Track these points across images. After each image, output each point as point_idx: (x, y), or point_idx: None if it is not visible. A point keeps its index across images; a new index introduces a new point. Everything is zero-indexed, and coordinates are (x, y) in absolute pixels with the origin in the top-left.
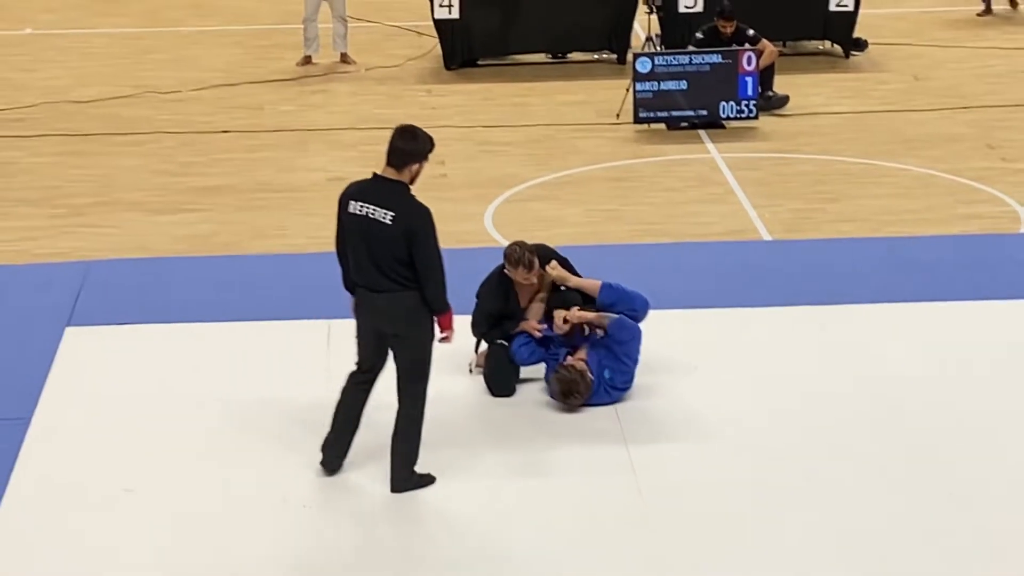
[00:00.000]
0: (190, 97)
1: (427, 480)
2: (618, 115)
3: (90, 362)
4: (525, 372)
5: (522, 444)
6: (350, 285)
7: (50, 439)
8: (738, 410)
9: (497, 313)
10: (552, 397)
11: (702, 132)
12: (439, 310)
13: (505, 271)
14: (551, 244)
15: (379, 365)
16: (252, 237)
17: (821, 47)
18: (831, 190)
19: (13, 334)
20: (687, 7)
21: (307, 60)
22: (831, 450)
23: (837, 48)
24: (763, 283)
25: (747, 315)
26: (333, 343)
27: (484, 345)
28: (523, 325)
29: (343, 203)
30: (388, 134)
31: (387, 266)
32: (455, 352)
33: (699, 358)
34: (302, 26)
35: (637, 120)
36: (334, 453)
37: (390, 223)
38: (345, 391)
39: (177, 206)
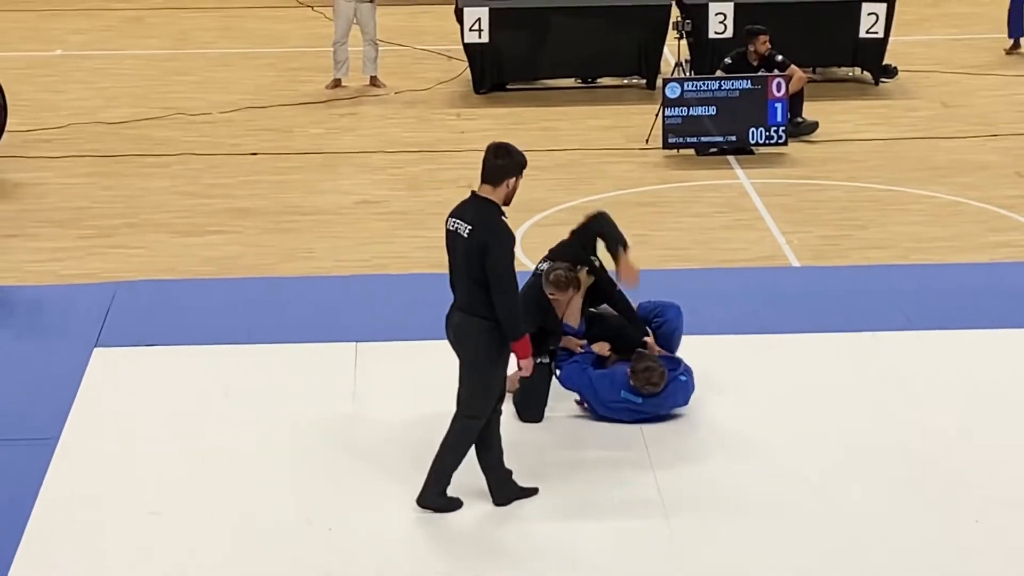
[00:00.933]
0: (219, 119)
1: (454, 505)
2: (647, 140)
3: (118, 383)
4: (552, 396)
5: (549, 467)
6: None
7: (77, 460)
8: (765, 436)
9: (534, 334)
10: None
11: (731, 158)
12: (511, 335)
13: (548, 294)
14: None
15: None
16: (280, 259)
17: (851, 74)
18: (860, 217)
19: (41, 355)
20: (717, 33)
21: (337, 83)
22: (859, 477)
23: (867, 75)
24: (791, 309)
25: (775, 341)
26: (360, 365)
27: (513, 367)
28: (564, 342)
29: (447, 222)
30: (417, 157)
31: (465, 284)
32: None
33: (727, 384)
34: (332, 49)
35: (666, 145)
36: (496, 486)
37: (467, 236)
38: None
39: (205, 228)
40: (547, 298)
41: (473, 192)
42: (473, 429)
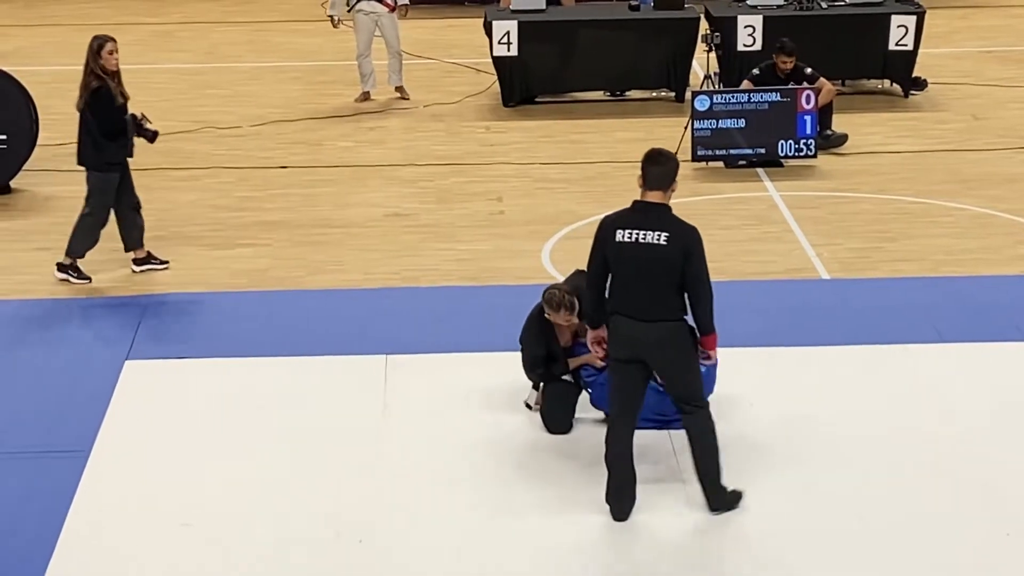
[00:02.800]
0: (249, 132)
1: (739, 497)
2: (676, 153)
3: (149, 395)
4: (581, 410)
5: (578, 477)
6: (599, 318)
7: (109, 472)
8: (796, 449)
9: (543, 358)
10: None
11: (760, 170)
12: (707, 331)
13: (546, 315)
14: None
15: (641, 401)
16: (309, 272)
17: (880, 86)
18: (889, 229)
19: (73, 367)
20: (746, 46)
21: (366, 96)
22: (890, 490)
23: (896, 87)
24: (821, 322)
25: (805, 354)
26: (390, 378)
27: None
28: (586, 358)
29: (608, 234)
30: (446, 170)
31: (661, 293)
32: (505, 391)
33: (756, 396)
34: (357, 63)
35: (695, 158)
36: (626, 503)
37: (665, 244)
38: (617, 441)
39: (235, 241)
40: (547, 324)
41: (639, 201)
42: (711, 417)
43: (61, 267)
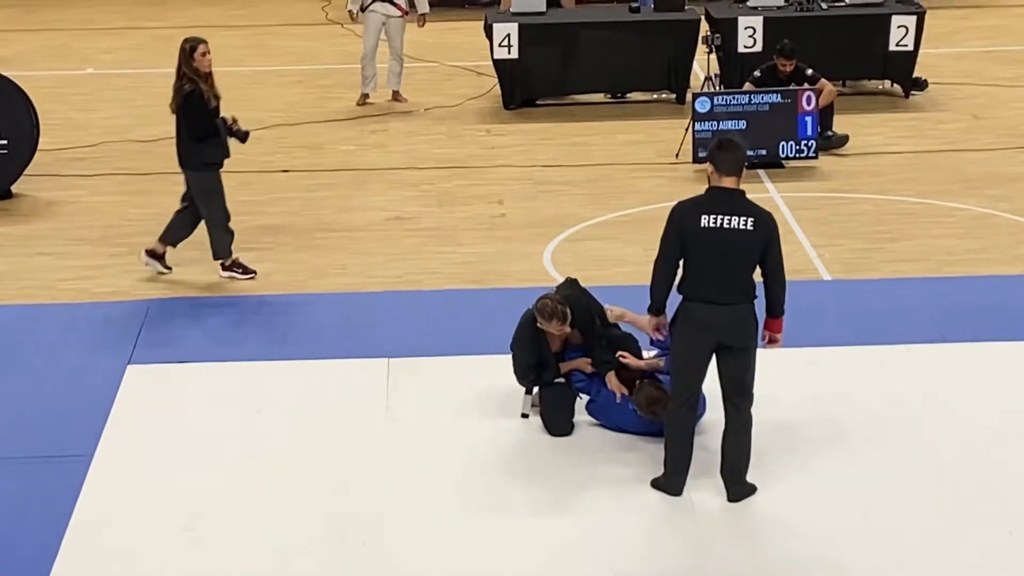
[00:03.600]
0: (251, 136)
1: (753, 488)
2: (677, 155)
3: (151, 400)
4: (580, 411)
5: (577, 480)
6: (662, 304)
7: (112, 476)
8: (798, 450)
9: (535, 364)
10: (636, 408)
11: (761, 172)
12: (780, 314)
13: (538, 324)
14: (610, 284)
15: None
16: (311, 276)
17: (881, 87)
18: (891, 230)
19: (75, 372)
20: (746, 47)
21: (365, 99)
22: (892, 490)
23: (897, 88)
24: (823, 322)
25: (807, 354)
26: (392, 381)
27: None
28: (576, 363)
29: (690, 220)
30: (447, 173)
31: (740, 277)
32: (507, 394)
33: (759, 397)
34: (360, 64)
35: (696, 160)
36: (681, 482)
37: (752, 228)
38: (680, 425)
39: (237, 245)
40: (539, 330)
41: (716, 187)
42: (751, 418)
43: (225, 267)
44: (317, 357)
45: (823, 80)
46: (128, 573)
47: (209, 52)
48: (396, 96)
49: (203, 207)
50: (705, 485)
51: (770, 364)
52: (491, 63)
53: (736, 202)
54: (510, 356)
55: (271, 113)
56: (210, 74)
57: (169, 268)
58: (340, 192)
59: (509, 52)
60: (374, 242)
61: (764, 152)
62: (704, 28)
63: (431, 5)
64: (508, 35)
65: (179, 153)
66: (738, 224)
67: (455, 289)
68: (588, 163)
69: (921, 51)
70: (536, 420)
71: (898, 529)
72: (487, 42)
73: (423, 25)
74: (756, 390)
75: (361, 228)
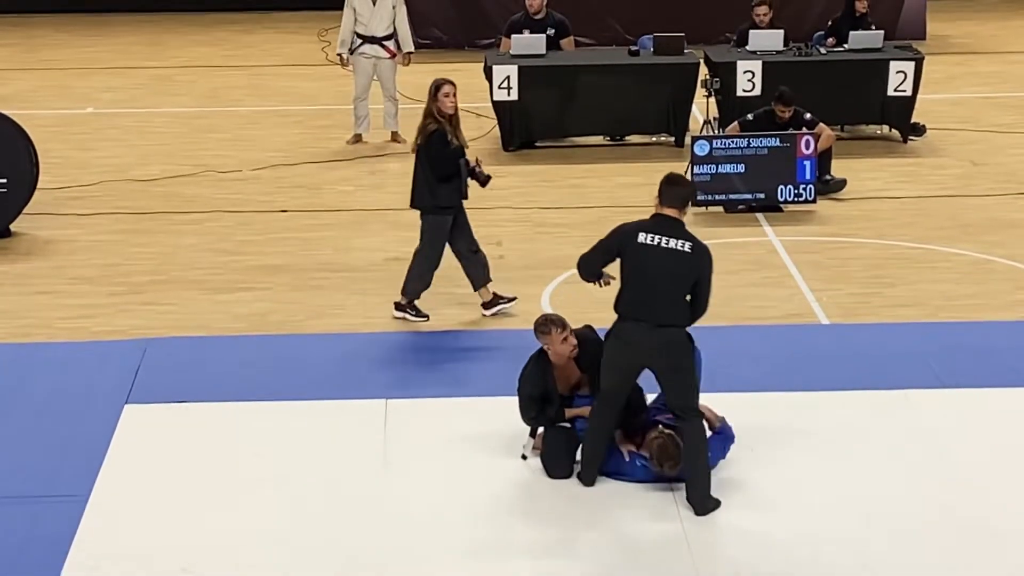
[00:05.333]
0: (249, 176)
1: (716, 503)
2: None
3: (149, 440)
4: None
5: (579, 526)
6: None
7: (108, 517)
8: (795, 494)
9: (538, 397)
10: (648, 460)
11: (760, 215)
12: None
13: (544, 348)
14: (609, 326)
15: (625, 398)
16: (309, 316)
17: (879, 132)
18: (889, 274)
19: (72, 411)
20: (745, 91)
21: (357, 139)
22: (889, 536)
23: (895, 133)
24: (820, 367)
25: (804, 399)
26: (390, 423)
27: (540, 429)
28: (583, 410)
29: (627, 237)
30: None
31: (672, 298)
32: (506, 436)
33: (755, 441)
34: (352, 106)
35: (695, 203)
36: (592, 474)
37: (690, 252)
38: (597, 420)
39: (235, 285)
40: (548, 365)
41: (658, 213)
42: (703, 427)
43: (399, 306)
44: (315, 398)
45: (821, 124)
46: None
47: (454, 95)
48: (395, 137)
49: (424, 244)
50: (698, 528)
51: (767, 408)
52: (490, 105)
53: (676, 228)
54: (510, 398)
55: (270, 153)
56: (454, 116)
57: (513, 298)
58: (339, 232)
59: (508, 94)
60: (373, 282)
61: (763, 195)
62: (703, 72)
63: (432, 48)
64: (508, 77)
65: (414, 195)
66: (675, 245)
67: (453, 330)
68: (587, 205)
69: (919, 97)
70: (535, 462)
71: (896, 568)
72: (487, 84)
73: (408, 64)
74: (753, 432)
75: (360, 268)
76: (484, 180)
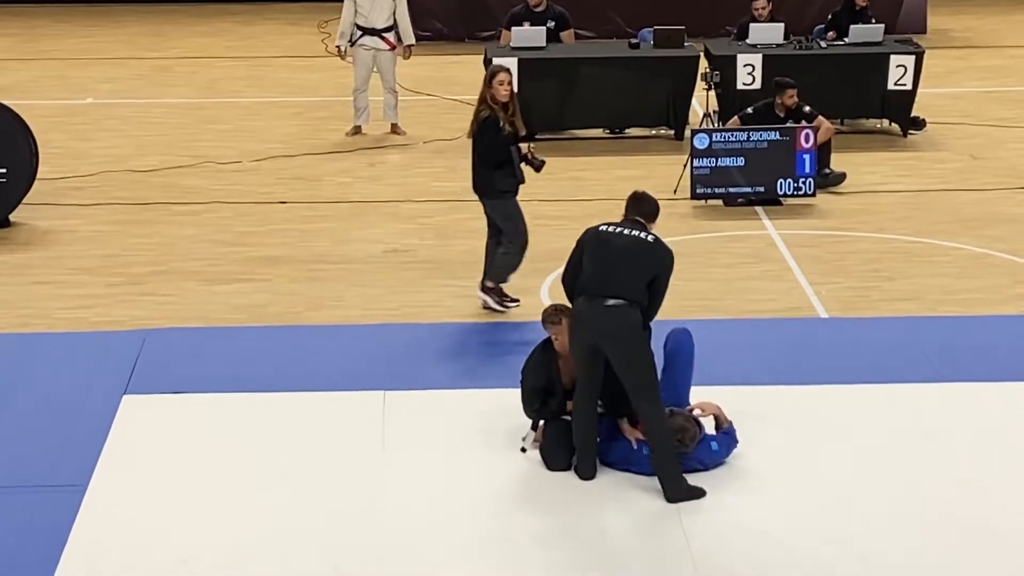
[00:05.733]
0: (248, 168)
1: (696, 492)
2: (675, 191)
3: (147, 430)
4: None
5: (578, 517)
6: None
7: (106, 507)
8: (792, 487)
9: (541, 389)
10: None
11: (759, 209)
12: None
13: (551, 338)
14: None
15: (600, 378)
16: (308, 308)
17: (879, 125)
18: (887, 268)
19: (70, 402)
20: (745, 84)
21: (357, 130)
22: (888, 531)
23: (895, 127)
24: (819, 361)
25: (802, 393)
26: (388, 414)
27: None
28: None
29: (591, 232)
30: (446, 206)
31: (627, 278)
32: (504, 429)
33: (754, 434)
34: (352, 97)
35: (694, 196)
36: (591, 465)
37: (652, 242)
38: (579, 410)
39: (234, 276)
40: (553, 356)
41: (628, 218)
42: (662, 410)
43: (486, 288)
44: (313, 389)
45: (820, 118)
46: None
47: (508, 83)
48: (395, 129)
49: (507, 229)
50: (699, 521)
51: (765, 401)
52: None
53: (641, 227)
54: (509, 390)
55: (269, 144)
56: (508, 103)
57: (516, 300)
58: (338, 224)
59: None
60: (371, 274)
61: (762, 189)
62: (703, 65)
63: (432, 40)
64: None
65: (474, 181)
66: (637, 234)
67: (452, 322)
68: (586, 198)
69: (919, 91)
70: (534, 454)
71: (894, 568)
72: None
73: (408, 57)
74: (751, 426)
75: (359, 260)
76: (538, 166)
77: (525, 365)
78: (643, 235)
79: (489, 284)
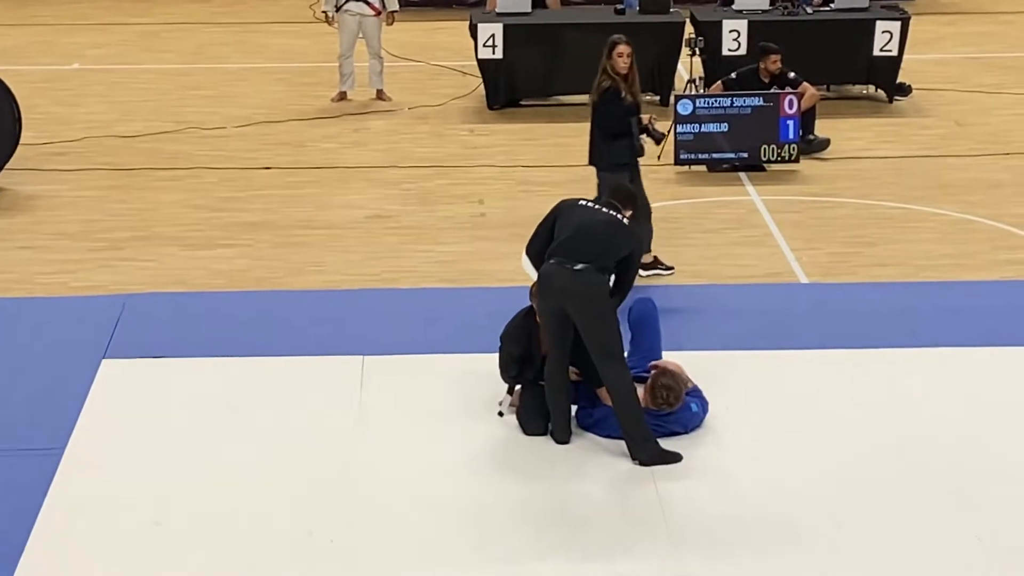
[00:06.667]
0: (233, 133)
1: (670, 456)
2: (659, 156)
3: (125, 394)
4: None
5: (555, 480)
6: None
7: (82, 470)
8: (771, 452)
9: (519, 357)
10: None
11: (742, 174)
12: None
13: (534, 308)
14: None
15: (570, 339)
16: (289, 273)
17: (864, 91)
18: (869, 234)
19: (50, 365)
20: (730, 50)
21: (342, 96)
22: (863, 493)
23: (880, 93)
24: (800, 326)
25: (783, 357)
26: (366, 379)
27: (517, 386)
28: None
29: (565, 204)
30: (429, 172)
31: (596, 248)
32: (482, 394)
33: (734, 399)
34: (337, 63)
35: (678, 162)
36: (564, 429)
37: (626, 223)
38: (551, 378)
39: (216, 241)
40: (533, 325)
41: (609, 200)
42: (627, 374)
43: (645, 266)
44: (292, 354)
45: (805, 84)
46: (96, 566)
47: (628, 55)
48: (380, 95)
49: None
50: (674, 485)
51: (745, 366)
52: (476, 63)
53: (617, 208)
54: (487, 355)
55: (255, 110)
56: (628, 75)
57: (671, 267)
58: (321, 190)
59: (494, 52)
60: (353, 240)
61: (746, 155)
62: (688, 31)
63: (414, 5)
64: (493, 35)
65: (590, 152)
66: (613, 213)
67: (433, 288)
68: (570, 164)
69: (905, 57)
70: (511, 419)
71: (867, 531)
72: (472, 42)
73: (392, 23)
74: (730, 390)
75: (341, 226)
76: (659, 138)
77: (505, 331)
78: (618, 215)
79: (647, 259)
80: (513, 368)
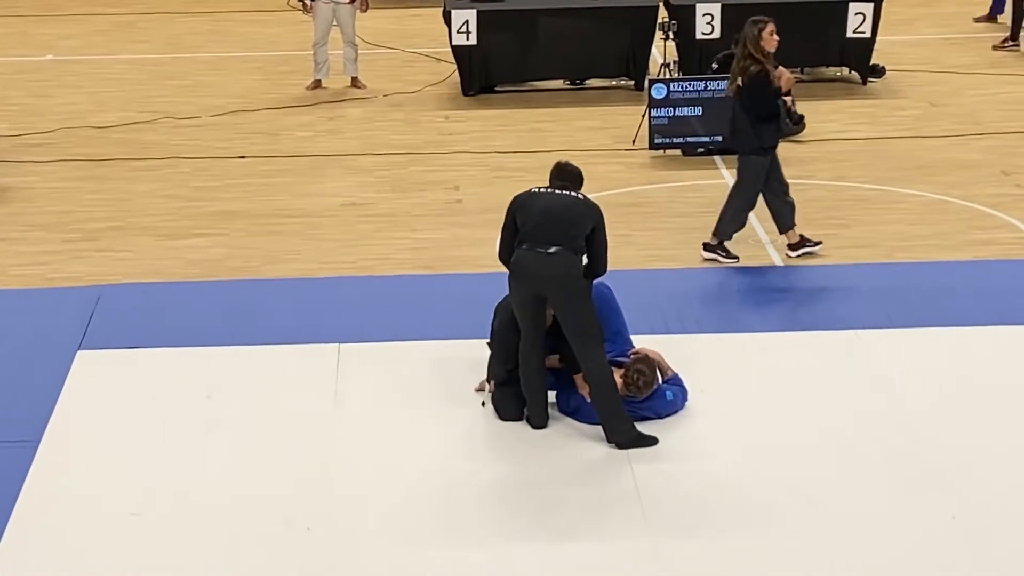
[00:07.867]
0: (208, 123)
1: (647, 440)
2: (634, 141)
3: (101, 385)
4: None
5: (532, 465)
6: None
7: (58, 461)
8: (746, 435)
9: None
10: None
11: (717, 158)
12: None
13: None
14: None
15: (543, 325)
16: (265, 262)
17: (838, 73)
18: (844, 216)
19: (25, 357)
20: (704, 34)
21: (317, 84)
22: (839, 475)
23: (854, 74)
24: (774, 308)
25: (758, 340)
26: (343, 366)
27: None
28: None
29: (521, 196)
30: (404, 159)
31: (564, 231)
32: (464, 378)
33: (710, 382)
34: (312, 51)
35: (653, 146)
36: (541, 413)
37: (582, 199)
38: (525, 364)
39: (191, 231)
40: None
41: (558, 183)
42: (603, 357)
43: (709, 247)
44: (269, 342)
45: (781, 68)
46: (73, 558)
47: (776, 33)
48: (355, 82)
49: (740, 187)
50: (649, 468)
51: (720, 349)
52: (449, 49)
53: (568, 188)
54: (465, 341)
55: (230, 99)
56: (771, 55)
57: (819, 242)
58: (296, 178)
59: (467, 39)
60: (329, 228)
61: (720, 138)
62: (662, 15)
63: None
64: (467, 21)
65: (736, 138)
66: (568, 192)
67: (408, 275)
68: (545, 149)
69: (879, 38)
70: (490, 406)
71: (842, 513)
72: (446, 28)
73: (365, 10)
74: (706, 374)
75: (316, 214)
76: (798, 119)
77: (494, 327)
78: (573, 193)
79: (713, 241)
80: (511, 362)
